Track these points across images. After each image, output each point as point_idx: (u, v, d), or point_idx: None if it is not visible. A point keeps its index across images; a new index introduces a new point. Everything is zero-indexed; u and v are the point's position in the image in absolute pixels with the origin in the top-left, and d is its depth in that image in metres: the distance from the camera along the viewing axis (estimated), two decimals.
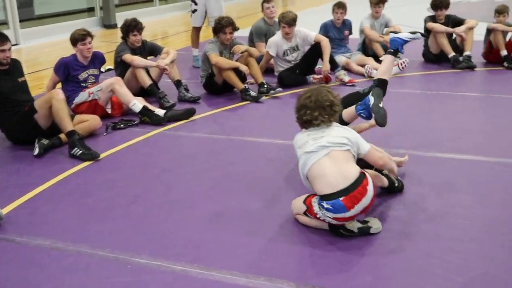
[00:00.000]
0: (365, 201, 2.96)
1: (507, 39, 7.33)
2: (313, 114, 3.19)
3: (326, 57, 6.49)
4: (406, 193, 3.57)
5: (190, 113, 5.36)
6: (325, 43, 6.55)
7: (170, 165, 4.22)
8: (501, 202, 3.42)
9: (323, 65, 6.51)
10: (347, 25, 7.62)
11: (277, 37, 6.58)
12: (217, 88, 6.19)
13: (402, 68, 6.91)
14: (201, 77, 6.33)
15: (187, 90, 6.02)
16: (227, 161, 4.27)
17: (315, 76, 6.66)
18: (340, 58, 7.34)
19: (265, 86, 6.08)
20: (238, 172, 4.02)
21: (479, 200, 3.44)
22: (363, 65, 7.16)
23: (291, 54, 6.61)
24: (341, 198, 2.92)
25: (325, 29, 7.54)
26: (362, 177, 2.99)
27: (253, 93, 5.90)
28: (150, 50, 6.18)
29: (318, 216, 3.04)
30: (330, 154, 3.04)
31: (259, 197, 3.59)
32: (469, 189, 3.60)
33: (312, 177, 3.07)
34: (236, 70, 6.00)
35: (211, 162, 4.25)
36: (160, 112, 5.28)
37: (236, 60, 6.20)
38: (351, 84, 6.49)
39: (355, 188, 2.94)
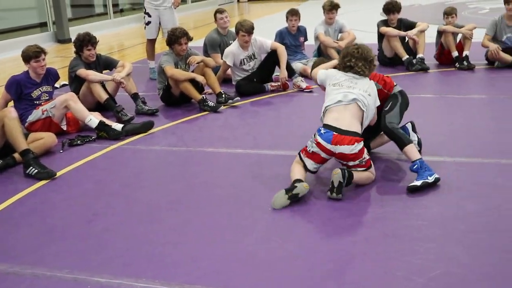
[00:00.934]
0: (346, 149, 3.57)
1: (457, 40, 7.53)
2: (357, 63, 3.80)
3: (283, 64, 6.53)
4: (364, 197, 3.60)
5: (148, 126, 5.30)
6: (281, 50, 6.59)
7: (130, 180, 4.16)
8: (456, 200, 3.48)
9: (281, 72, 6.55)
10: (302, 31, 7.69)
11: (234, 46, 6.59)
12: (175, 99, 6.15)
13: None
14: (158, 89, 6.28)
15: (144, 103, 5.96)
16: (188, 173, 4.23)
17: (273, 83, 6.69)
18: (297, 65, 7.40)
19: (223, 95, 6.07)
20: (200, 184, 3.99)
21: (436, 200, 3.50)
22: None
23: (248, 63, 6.63)
24: (334, 133, 3.58)
25: (281, 36, 7.59)
26: (358, 135, 3.63)
27: (211, 103, 5.88)
28: (105, 64, 6.10)
29: (307, 149, 3.67)
30: (351, 106, 3.70)
31: (222, 208, 3.57)
32: (425, 189, 3.65)
33: (328, 110, 3.75)
34: (193, 81, 5.97)
35: (172, 175, 4.21)
36: (118, 126, 5.20)
37: (192, 71, 6.18)
38: (308, 90, 6.54)
39: (348, 135, 3.58)
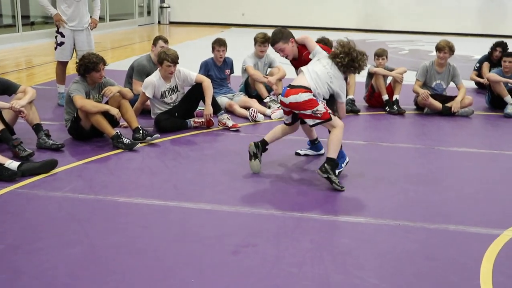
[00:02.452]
0: (292, 98, 4.36)
1: (387, 82, 7.33)
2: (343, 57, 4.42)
3: (208, 99, 5.98)
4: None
5: (49, 166, 4.55)
6: (207, 84, 6.05)
7: (20, 240, 3.40)
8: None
9: (205, 108, 5.99)
10: (228, 63, 7.19)
11: (155, 77, 5.96)
12: (85, 133, 5.41)
13: None
14: (65, 120, 5.52)
15: (48, 136, 5.18)
16: (94, 231, 3.54)
17: (196, 119, 6.12)
18: (222, 100, 6.88)
19: (141, 132, 5.41)
20: (108, 246, 3.32)
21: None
22: (246, 108, 6.75)
23: (169, 95, 6.02)
24: (287, 88, 4.45)
25: (206, 67, 7.05)
26: (303, 87, 4.35)
27: (126, 140, 5.20)
28: (3, 88, 5.27)
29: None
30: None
31: (135, 279, 2.92)
32: None
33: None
34: (107, 114, 5.28)
35: (74, 234, 3.50)
36: (13, 165, 4.42)
37: (107, 102, 5.48)
38: (235, 129, 6.02)
39: (296, 88, 4.37)
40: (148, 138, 5.41)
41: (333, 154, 4.34)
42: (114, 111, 5.29)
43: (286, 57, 4.76)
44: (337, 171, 4.46)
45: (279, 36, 4.66)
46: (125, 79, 6.75)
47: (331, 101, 4.54)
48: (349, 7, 20.46)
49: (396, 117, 6.92)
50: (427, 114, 7.04)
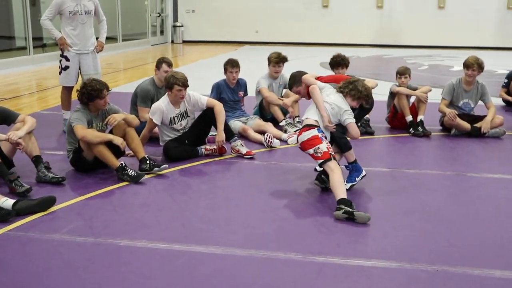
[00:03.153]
0: (300, 139, 4.47)
1: (410, 102, 6.90)
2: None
3: (221, 125, 5.59)
4: None
5: (47, 203, 4.17)
6: (219, 109, 5.66)
7: None
8: None
9: (217, 135, 5.60)
10: (241, 85, 6.82)
11: (163, 102, 5.58)
12: (88, 165, 5.05)
13: None
14: (67, 151, 5.16)
15: (48, 168, 4.82)
16: (90, 283, 3.14)
17: (208, 146, 5.73)
18: (236, 124, 6.49)
19: (148, 162, 5.03)
20: None
21: None
22: (261, 132, 6.35)
23: (179, 121, 5.64)
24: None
25: (218, 90, 6.67)
26: (307, 126, 4.46)
27: (131, 172, 4.82)
28: (2, 117, 4.93)
29: None
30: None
31: None
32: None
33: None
34: (111, 143, 4.91)
35: (68, 286, 3.10)
36: (7, 203, 4.05)
37: (111, 131, 5.11)
38: (249, 156, 5.61)
39: (301, 129, 4.53)
40: (156, 169, 5.02)
41: (341, 195, 4.12)
42: (118, 140, 4.91)
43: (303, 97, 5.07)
44: (349, 184, 4.61)
45: (291, 81, 5.18)
46: (130, 105, 6.39)
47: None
48: (363, 22, 20.07)
49: (421, 140, 6.46)
50: (454, 136, 6.57)
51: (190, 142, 5.65)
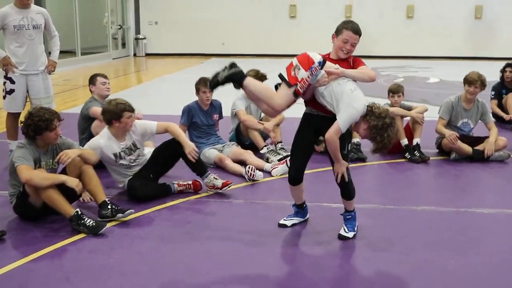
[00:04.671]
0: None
1: (404, 123, 6.22)
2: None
3: (183, 138, 4.79)
4: None
5: None
6: (172, 128, 4.85)
7: None
8: None
9: (185, 147, 4.72)
10: (216, 107, 6.01)
11: (102, 138, 4.67)
12: (35, 212, 4.15)
13: None
14: (10, 195, 4.26)
15: None
16: None
17: (181, 182, 4.90)
18: (211, 152, 5.69)
19: (109, 207, 4.17)
20: None
21: None
22: (240, 162, 5.56)
23: (127, 156, 4.76)
24: None
25: (189, 113, 5.85)
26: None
27: (89, 222, 3.95)
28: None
29: None
30: None
31: None
32: None
33: None
34: (64, 186, 4.04)
35: None
36: None
37: (64, 170, 4.23)
38: (227, 187, 4.82)
39: None
40: (119, 215, 4.16)
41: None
42: (72, 182, 4.03)
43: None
44: (352, 233, 3.91)
45: None
46: (78, 131, 5.58)
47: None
48: (332, 32, 19.54)
49: (419, 166, 5.77)
50: (455, 160, 5.91)
51: (155, 176, 4.82)
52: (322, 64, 3.56)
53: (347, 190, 3.82)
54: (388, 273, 3.42)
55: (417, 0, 19.28)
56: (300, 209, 4.14)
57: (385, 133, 3.61)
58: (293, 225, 4.10)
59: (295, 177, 3.91)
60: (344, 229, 3.91)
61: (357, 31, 3.71)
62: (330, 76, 3.57)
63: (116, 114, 4.59)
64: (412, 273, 3.40)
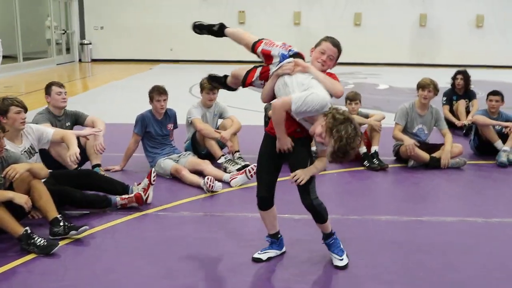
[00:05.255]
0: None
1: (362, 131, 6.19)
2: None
3: (74, 144, 4.54)
4: None
5: None
6: (67, 136, 4.61)
7: None
8: None
9: (70, 150, 4.47)
10: (170, 116, 5.81)
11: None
12: None
13: (251, 176, 5.25)
14: None
15: None
16: None
17: (124, 196, 4.64)
18: (166, 163, 5.48)
19: (62, 224, 3.90)
20: None
21: None
22: (198, 172, 5.38)
23: (28, 160, 4.35)
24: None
25: (143, 123, 5.62)
26: None
27: (40, 241, 3.68)
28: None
29: None
30: None
31: None
32: None
33: None
34: (11, 203, 3.75)
35: None
36: None
37: (10, 185, 3.93)
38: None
39: None
40: (73, 232, 3.90)
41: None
42: (21, 199, 3.75)
43: None
44: (346, 261, 3.58)
45: None
46: None
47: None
48: (280, 39, 19.39)
49: (378, 174, 5.74)
50: (413, 168, 5.92)
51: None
52: (294, 56, 3.42)
53: (317, 212, 3.46)
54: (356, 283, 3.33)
55: (364, 8, 19.60)
56: (275, 239, 3.71)
57: (345, 133, 3.12)
58: (268, 258, 3.65)
59: (264, 198, 3.55)
60: (335, 257, 3.57)
61: (336, 45, 3.53)
62: (296, 66, 3.38)
63: (1, 110, 4.27)
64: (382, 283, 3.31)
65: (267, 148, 3.58)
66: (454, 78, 8.06)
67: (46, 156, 4.73)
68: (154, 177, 4.66)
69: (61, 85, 5.31)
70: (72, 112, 5.43)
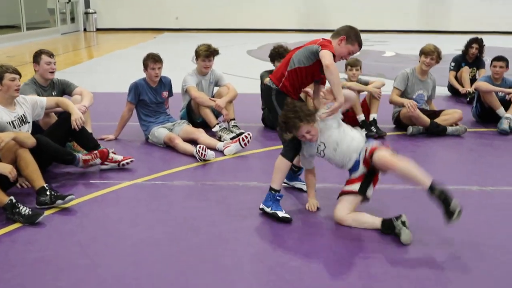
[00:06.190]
0: None
1: (361, 99, 6.07)
2: None
3: (73, 108, 4.61)
4: None
5: None
6: (65, 102, 4.67)
7: None
8: None
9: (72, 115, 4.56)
10: (165, 84, 5.71)
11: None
12: None
13: (245, 144, 5.18)
14: None
15: None
16: None
17: (85, 155, 4.60)
18: (160, 132, 5.41)
19: (48, 193, 3.86)
20: None
21: None
22: (192, 141, 5.32)
23: (18, 128, 4.32)
24: None
25: (136, 91, 5.54)
26: None
27: (25, 210, 3.64)
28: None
29: None
30: None
31: None
32: None
33: None
34: None
35: None
36: None
37: None
38: (129, 160, 4.73)
39: None
40: (59, 201, 3.86)
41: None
42: (5, 169, 3.71)
43: None
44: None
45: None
46: None
47: None
48: (288, 6, 19.26)
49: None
50: (412, 135, 5.81)
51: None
52: None
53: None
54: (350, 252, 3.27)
55: None
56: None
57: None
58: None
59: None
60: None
61: (361, 46, 3.87)
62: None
63: None
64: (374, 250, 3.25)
65: None
66: (468, 46, 7.82)
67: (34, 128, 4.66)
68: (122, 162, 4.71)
69: (51, 55, 5.19)
70: (60, 81, 5.30)
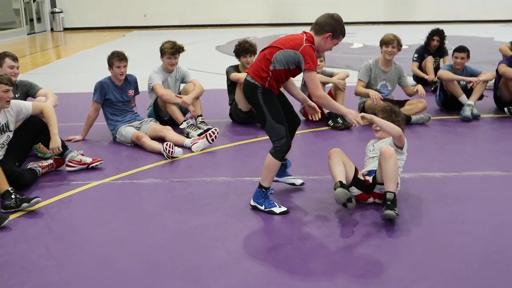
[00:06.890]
0: None
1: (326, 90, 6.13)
2: None
3: (54, 128, 4.55)
4: None
5: None
6: (49, 111, 4.61)
7: None
8: None
9: (52, 141, 4.53)
10: (131, 82, 5.70)
11: None
12: None
13: (212, 140, 5.20)
14: None
15: None
16: None
17: (43, 163, 4.62)
18: (127, 131, 5.40)
19: (13, 197, 3.83)
20: None
21: None
22: (159, 139, 5.32)
23: None
24: None
25: (102, 90, 5.52)
26: None
27: None
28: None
29: None
30: None
31: None
32: None
33: None
34: None
35: None
36: None
37: None
38: (98, 163, 4.72)
39: None
40: (25, 204, 3.84)
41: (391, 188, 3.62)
42: None
43: None
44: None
45: None
46: None
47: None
48: (255, 0, 19.28)
49: (343, 133, 5.74)
50: None
51: (19, 162, 4.56)
52: None
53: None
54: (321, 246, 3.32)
55: None
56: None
57: None
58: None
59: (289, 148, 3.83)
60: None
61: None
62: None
63: None
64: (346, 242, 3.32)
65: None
66: (430, 38, 7.95)
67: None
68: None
69: (15, 59, 5.14)
70: (23, 82, 5.25)
